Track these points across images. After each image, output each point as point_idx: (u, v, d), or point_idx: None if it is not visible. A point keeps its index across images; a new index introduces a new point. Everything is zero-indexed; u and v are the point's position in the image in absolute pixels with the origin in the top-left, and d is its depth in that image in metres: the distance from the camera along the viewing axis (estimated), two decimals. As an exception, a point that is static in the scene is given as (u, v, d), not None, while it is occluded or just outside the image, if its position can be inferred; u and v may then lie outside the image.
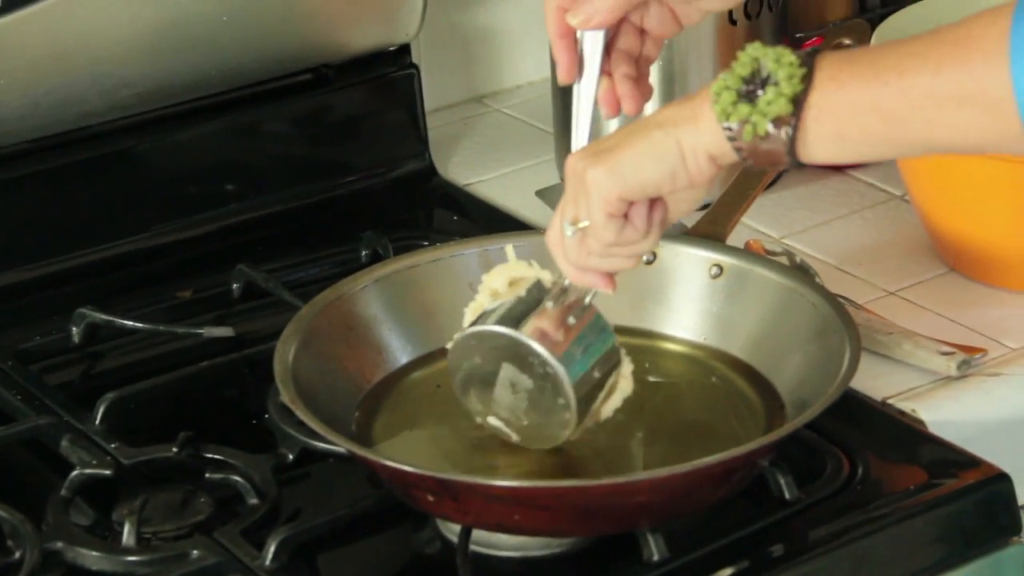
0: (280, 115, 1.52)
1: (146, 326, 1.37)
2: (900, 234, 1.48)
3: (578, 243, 1.10)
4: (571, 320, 1.15)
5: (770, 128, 1.02)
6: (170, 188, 1.48)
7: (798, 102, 1.02)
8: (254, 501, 1.18)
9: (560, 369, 1.13)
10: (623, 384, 1.18)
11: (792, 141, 1.02)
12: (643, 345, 1.27)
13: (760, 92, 1.02)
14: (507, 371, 1.15)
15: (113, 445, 1.23)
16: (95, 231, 1.45)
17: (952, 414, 1.26)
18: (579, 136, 1.17)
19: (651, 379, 1.23)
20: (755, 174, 1.36)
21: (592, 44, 1.17)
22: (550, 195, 1.51)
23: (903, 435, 1.24)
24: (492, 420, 1.17)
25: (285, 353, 1.19)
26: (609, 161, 1.07)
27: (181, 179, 1.49)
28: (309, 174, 1.54)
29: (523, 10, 1.71)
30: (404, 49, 1.57)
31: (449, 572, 1.11)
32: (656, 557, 1.11)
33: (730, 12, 1.49)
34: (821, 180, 1.57)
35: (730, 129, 1.03)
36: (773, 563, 1.13)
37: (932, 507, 1.17)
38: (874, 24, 1.49)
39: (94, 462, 1.21)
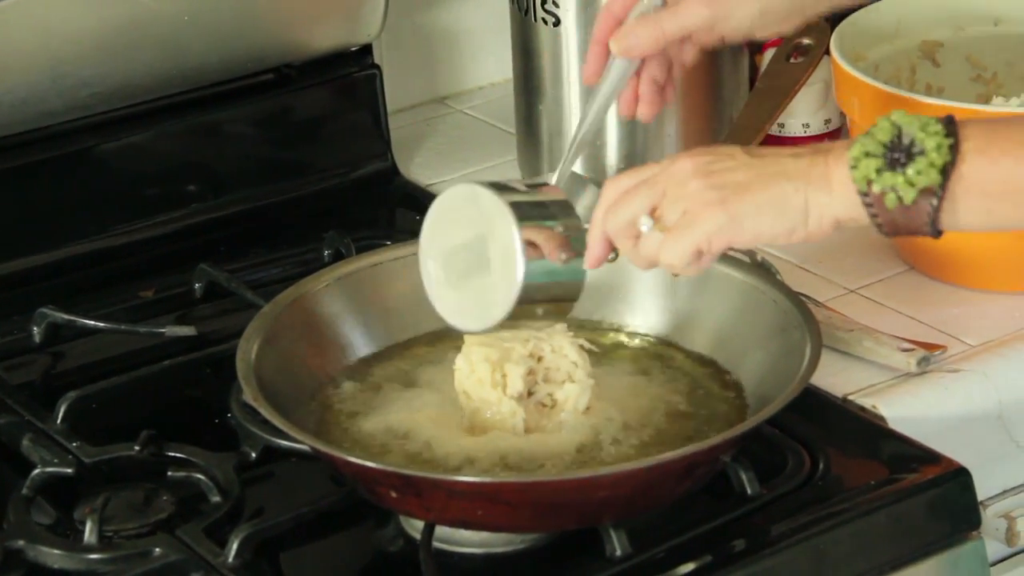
0: (242, 115, 1.52)
1: (108, 325, 1.36)
2: (860, 233, 1.46)
3: (632, 233, 1.08)
4: (561, 255, 1.12)
5: (917, 198, 1.01)
6: (131, 188, 1.48)
7: (946, 173, 1.01)
8: (217, 499, 1.18)
9: (520, 255, 1.11)
10: (580, 389, 1.18)
11: (936, 211, 1.02)
12: (606, 341, 1.27)
13: (906, 160, 1.01)
14: (476, 238, 1.13)
15: (74, 444, 1.23)
16: (56, 231, 1.45)
17: (912, 410, 1.27)
18: (576, 140, 1.18)
19: (615, 375, 1.23)
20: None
21: (623, 66, 1.19)
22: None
23: (863, 431, 1.24)
24: (431, 264, 1.15)
25: (248, 351, 1.19)
26: (733, 207, 1.05)
27: (142, 179, 1.49)
28: (271, 174, 1.54)
29: (485, 11, 1.71)
30: (366, 49, 1.57)
31: (412, 569, 1.12)
32: (619, 552, 1.11)
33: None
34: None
35: (868, 195, 1.02)
36: (735, 558, 1.13)
37: (892, 502, 1.17)
38: (834, 24, 1.50)
39: (55, 461, 1.21)
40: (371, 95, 1.57)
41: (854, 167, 1.03)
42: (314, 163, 1.56)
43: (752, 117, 1.47)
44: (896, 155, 1.02)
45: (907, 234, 1.04)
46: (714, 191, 1.06)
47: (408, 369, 1.26)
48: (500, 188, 1.14)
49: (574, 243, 1.13)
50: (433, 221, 1.16)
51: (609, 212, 1.10)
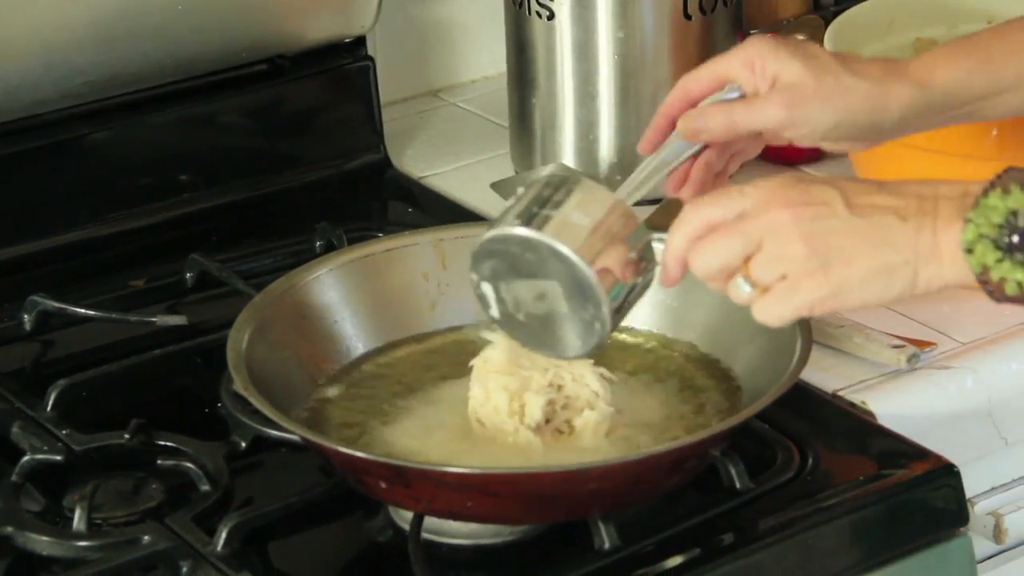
0: (235, 105, 1.52)
1: (99, 314, 1.36)
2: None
3: (722, 278, 1.06)
4: (637, 280, 1.10)
5: None
6: (124, 177, 1.48)
7: None
8: (206, 488, 1.18)
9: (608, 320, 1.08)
10: (600, 417, 1.16)
11: None
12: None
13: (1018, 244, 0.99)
14: (548, 287, 1.09)
15: (64, 431, 1.23)
16: (48, 219, 1.45)
17: (902, 407, 1.27)
18: (623, 192, 1.13)
19: (609, 370, 1.23)
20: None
21: (682, 146, 1.16)
22: (504, 188, 1.51)
23: (853, 427, 1.25)
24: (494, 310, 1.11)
25: (239, 340, 1.19)
26: (837, 278, 1.02)
27: (135, 168, 1.49)
28: (264, 164, 1.54)
29: (480, 4, 1.71)
30: (360, 41, 1.57)
31: (401, 560, 1.12)
32: (607, 545, 1.11)
33: (684, 7, 1.50)
34: (774, 175, 1.57)
35: (986, 279, 1.01)
36: (724, 551, 1.13)
37: (881, 498, 1.18)
38: (828, 21, 1.50)
39: (45, 448, 1.21)
40: (364, 87, 1.57)
41: (969, 251, 1.01)
42: (307, 154, 1.56)
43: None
44: (1011, 240, 1.00)
45: (1018, 304, 1.02)
46: (817, 258, 1.03)
47: (398, 359, 1.26)
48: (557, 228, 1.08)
49: (644, 259, 1.10)
50: (484, 263, 1.11)
51: (696, 248, 1.06)
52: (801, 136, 1.16)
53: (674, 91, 1.17)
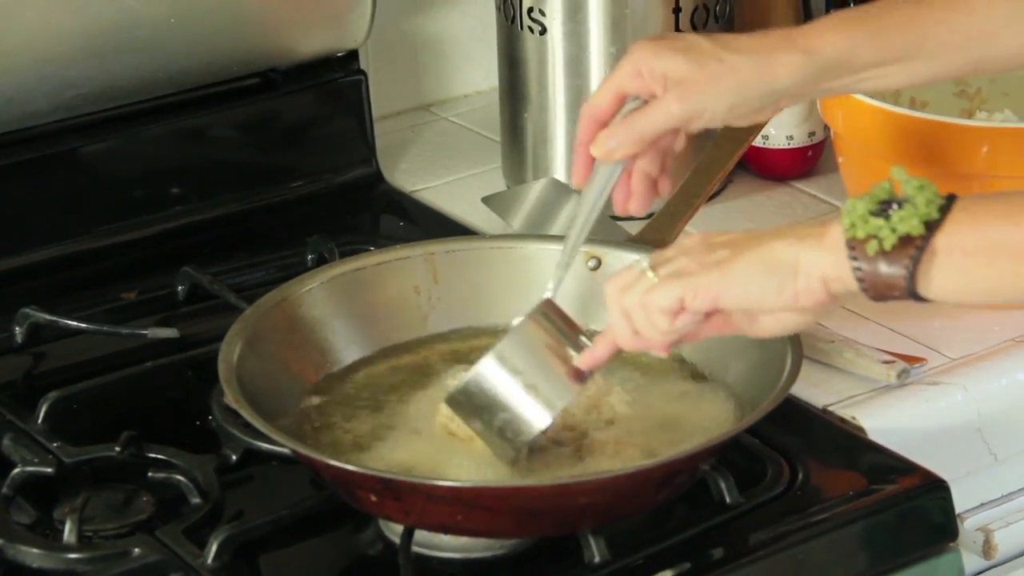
0: (227, 119, 1.52)
1: (90, 326, 1.36)
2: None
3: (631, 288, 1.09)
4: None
5: (896, 245, 1.01)
6: (116, 189, 1.48)
7: (930, 228, 1.01)
8: (196, 501, 1.18)
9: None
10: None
11: (915, 267, 1.01)
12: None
13: (893, 209, 1.01)
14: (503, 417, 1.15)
15: (55, 444, 1.23)
16: (40, 231, 1.45)
17: (892, 422, 1.27)
18: (570, 241, 1.18)
19: (603, 382, 1.23)
20: (699, 182, 1.37)
21: (609, 168, 1.19)
22: (496, 202, 1.51)
23: (843, 442, 1.25)
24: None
25: (230, 353, 1.19)
26: (725, 265, 1.06)
27: (127, 181, 1.49)
28: (256, 178, 1.54)
29: (472, 19, 1.71)
30: (352, 55, 1.57)
31: (391, 573, 1.12)
32: (597, 559, 1.12)
33: (676, 22, 1.50)
34: (765, 191, 1.58)
35: (854, 248, 1.02)
36: (713, 566, 1.13)
37: (871, 513, 1.18)
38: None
39: (36, 460, 1.20)
40: (356, 101, 1.58)
41: (846, 215, 1.03)
42: (299, 168, 1.56)
43: (736, 128, 1.47)
44: (885, 206, 1.02)
45: (886, 291, 1.03)
46: (712, 254, 1.07)
47: (390, 373, 1.26)
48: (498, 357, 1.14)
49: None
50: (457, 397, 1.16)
51: (640, 322, 1.10)
52: (708, 122, 1.18)
53: (582, 120, 1.20)
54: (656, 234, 1.31)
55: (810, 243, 1.05)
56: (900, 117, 1.38)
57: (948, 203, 1.02)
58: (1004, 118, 1.48)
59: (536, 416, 1.14)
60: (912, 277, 1.02)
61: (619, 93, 1.19)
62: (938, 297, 1.03)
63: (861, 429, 1.26)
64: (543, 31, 1.51)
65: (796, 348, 1.18)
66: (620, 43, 1.50)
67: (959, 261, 1.02)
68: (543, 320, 1.16)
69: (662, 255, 1.10)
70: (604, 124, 1.19)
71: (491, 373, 1.14)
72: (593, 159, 1.19)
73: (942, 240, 1.01)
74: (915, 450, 1.23)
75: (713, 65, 1.16)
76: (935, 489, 1.19)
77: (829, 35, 1.18)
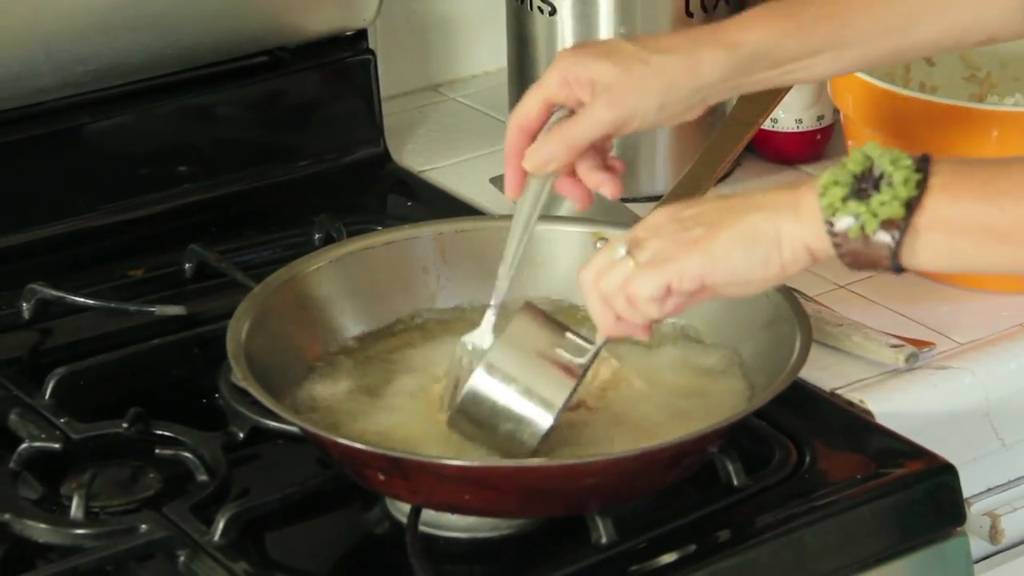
0: (235, 97, 1.52)
1: (97, 303, 1.36)
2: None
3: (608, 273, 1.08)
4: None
5: (879, 229, 1.01)
6: (123, 166, 1.48)
7: (911, 207, 1.01)
8: (203, 478, 1.18)
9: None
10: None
11: (898, 246, 1.01)
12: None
13: (873, 191, 1.01)
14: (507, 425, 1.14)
15: (62, 420, 1.23)
16: (47, 207, 1.45)
17: (899, 406, 1.27)
18: (508, 254, 1.18)
19: (611, 364, 1.23)
20: (708, 165, 1.37)
21: (542, 180, 1.18)
22: (503, 183, 1.51)
23: (851, 425, 1.25)
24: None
25: (238, 331, 1.19)
26: (706, 243, 1.05)
27: (135, 158, 1.48)
28: (263, 156, 1.54)
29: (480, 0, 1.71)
30: (361, 34, 1.57)
31: (398, 552, 1.12)
32: (604, 540, 1.12)
33: (687, 4, 1.50)
34: (774, 175, 1.58)
35: (832, 224, 1.02)
36: (720, 548, 1.13)
37: (878, 496, 1.18)
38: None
39: (43, 436, 1.21)
40: (365, 80, 1.57)
41: (822, 195, 1.03)
42: (306, 147, 1.56)
43: (745, 111, 1.47)
44: (863, 185, 1.02)
45: (868, 267, 1.03)
46: (687, 232, 1.06)
47: (396, 353, 1.26)
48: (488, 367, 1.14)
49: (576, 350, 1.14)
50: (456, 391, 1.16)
51: (593, 287, 1.09)
52: (636, 127, 1.17)
53: (509, 132, 1.19)
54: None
55: (786, 214, 1.04)
56: (911, 101, 1.37)
57: (924, 175, 1.01)
58: (1015, 102, 1.48)
59: (538, 418, 1.13)
60: (895, 255, 1.02)
61: (547, 102, 1.17)
62: (921, 268, 1.03)
63: (869, 413, 1.26)
64: (552, 11, 1.50)
65: (805, 331, 1.18)
66: (629, 24, 1.49)
67: (941, 239, 1.02)
68: (526, 324, 1.15)
69: (633, 237, 1.08)
70: (533, 134, 1.18)
71: (485, 386, 1.13)
72: (523, 170, 1.18)
73: (923, 219, 1.01)
74: (923, 434, 1.23)
75: (639, 68, 1.16)
76: (943, 473, 1.19)
77: (753, 29, 1.17)
